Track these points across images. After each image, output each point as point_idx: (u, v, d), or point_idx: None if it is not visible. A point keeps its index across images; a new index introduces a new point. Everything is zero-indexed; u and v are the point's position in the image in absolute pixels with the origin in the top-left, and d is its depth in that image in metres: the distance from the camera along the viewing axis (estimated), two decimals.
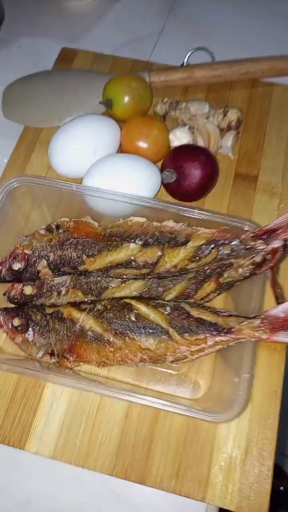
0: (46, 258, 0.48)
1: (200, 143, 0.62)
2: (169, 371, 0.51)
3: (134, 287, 0.50)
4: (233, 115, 0.63)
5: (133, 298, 0.49)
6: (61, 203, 0.53)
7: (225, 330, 0.43)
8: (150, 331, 0.45)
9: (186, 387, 0.50)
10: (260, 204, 0.60)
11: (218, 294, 0.50)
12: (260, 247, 0.46)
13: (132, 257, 0.47)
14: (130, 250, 0.47)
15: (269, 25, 0.77)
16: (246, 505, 0.45)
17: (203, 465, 0.47)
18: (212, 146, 0.62)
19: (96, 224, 0.49)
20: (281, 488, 0.87)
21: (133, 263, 0.47)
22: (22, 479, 0.49)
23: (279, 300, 0.44)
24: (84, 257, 0.48)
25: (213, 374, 0.50)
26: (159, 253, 0.47)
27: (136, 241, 0.47)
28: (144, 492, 0.47)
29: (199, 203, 0.59)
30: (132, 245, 0.47)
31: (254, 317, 0.43)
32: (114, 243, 0.48)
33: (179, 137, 0.63)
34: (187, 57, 0.70)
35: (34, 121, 0.66)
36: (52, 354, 0.48)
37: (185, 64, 0.70)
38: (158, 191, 0.58)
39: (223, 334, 0.43)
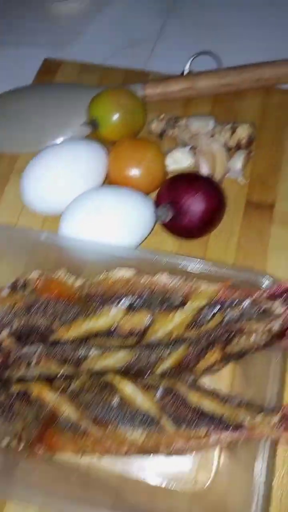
0: (9, 326, 0.39)
1: (204, 166, 0.51)
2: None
3: (119, 357, 0.40)
4: (243, 132, 0.53)
5: (117, 372, 0.39)
6: (33, 253, 0.43)
7: (233, 426, 0.33)
8: (138, 420, 0.36)
9: (185, 477, 0.40)
10: (277, 240, 0.49)
11: (224, 365, 0.39)
12: (278, 311, 0.35)
13: (115, 325, 0.37)
14: (112, 315, 0.38)
15: (285, 22, 0.66)
16: None
17: None
18: (218, 170, 0.52)
19: (71, 280, 0.40)
20: None
21: (115, 332, 0.38)
22: None
23: None
24: (56, 325, 0.38)
25: (218, 466, 0.40)
26: (149, 319, 0.37)
27: (120, 304, 0.37)
28: None
29: (202, 240, 0.49)
30: (114, 310, 0.37)
31: (272, 411, 0.32)
32: (92, 307, 0.38)
33: (179, 161, 0.53)
34: (189, 63, 0.60)
35: (10, 145, 0.57)
36: (19, 440, 0.39)
37: (186, 71, 0.60)
38: (153, 227, 0.48)
39: (230, 431, 0.33)
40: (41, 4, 0.72)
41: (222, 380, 0.42)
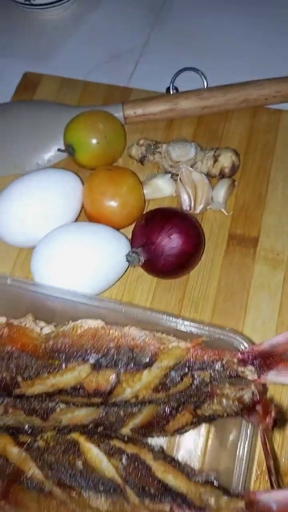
0: None
1: (185, 197, 0.49)
2: None
3: (86, 412, 0.38)
4: (226, 160, 0.50)
5: (85, 428, 0.38)
6: (1, 296, 0.41)
7: (196, 507, 0.31)
8: (101, 486, 0.34)
9: None
10: (260, 279, 0.47)
11: (197, 426, 0.38)
12: (249, 377, 0.33)
13: (80, 383, 0.36)
14: (77, 372, 0.36)
15: (274, 37, 0.62)
16: None
17: None
18: (200, 200, 0.49)
19: (38, 329, 0.38)
20: None
21: (81, 390, 0.36)
22: None
23: (272, 477, 0.31)
24: (19, 378, 0.37)
25: None
26: (114, 379, 0.35)
27: (86, 360, 0.35)
28: None
29: (181, 280, 0.47)
30: (80, 367, 0.35)
31: (238, 496, 0.30)
32: (57, 361, 0.36)
33: (160, 189, 0.51)
34: (173, 80, 0.57)
35: None
36: None
37: (172, 87, 0.57)
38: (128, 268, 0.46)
39: (194, 511, 0.31)
40: (22, 15, 0.68)
41: (198, 438, 0.40)
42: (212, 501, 0.31)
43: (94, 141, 0.49)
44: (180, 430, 0.37)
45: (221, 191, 0.50)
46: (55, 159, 0.54)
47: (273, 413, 0.30)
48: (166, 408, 0.37)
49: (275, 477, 0.29)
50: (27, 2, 0.65)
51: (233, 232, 0.50)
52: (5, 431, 0.39)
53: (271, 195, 0.51)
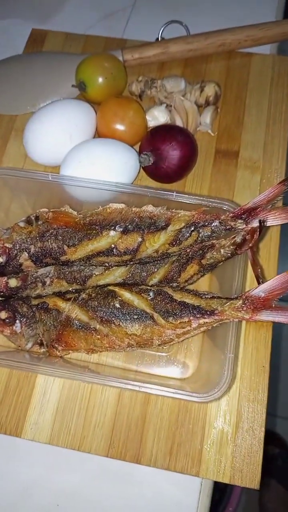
0: (27, 250, 0.48)
1: (178, 121, 0.60)
2: (158, 353, 0.51)
3: (117, 274, 0.50)
4: (210, 90, 0.62)
5: (116, 285, 0.49)
6: (40, 193, 0.52)
7: (208, 312, 0.43)
8: (135, 317, 0.46)
9: (175, 368, 0.51)
10: (242, 181, 0.60)
11: (202, 276, 0.50)
12: (240, 227, 0.46)
13: (113, 245, 0.47)
14: (110, 237, 0.47)
15: None
16: (239, 477, 0.47)
17: (195, 441, 0.48)
18: (191, 124, 0.61)
19: (75, 213, 0.49)
20: (276, 451, 0.90)
21: (114, 250, 0.47)
22: (21, 466, 0.50)
23: (259, 280, 0.44)
24: (65, 247, 0.48)
25: (201, 355, 0.51)
26: (140, 239, 0.47)
27: (116, 228, 0.47)
28: (140, 470, 0.49)
29: (180, 184, 0.59)
30: (112, 233, 0.47)
31: (236, 298, 0.43)
32: (94, 231, 0.47)
33: (157, 117, 0.62)
34: (161, 32, 0.68)
35: (8, 108, 0.64)
36: (41, 344, 0.49)
37: (159, 39, 0.68)
38: (138, 174, 0.57)
39: (206, 316, 0.43)
40: None
41: (202, 286, 0.53)
42: (218, 306, 0.43)
43: (102, 77, 0.60)
44: (189, 280, 0.49)
45: (207, 116, 0.62)
46: (67, 97, 0.64)
47: (256, 234, 0.42)
48: (178, 264, 0.49)
49: (262, 280, 0.42)
50: None
51: (219, 148, 0.62)
52: (53, 295, 0.50)
53: (247, 118, 0.63)
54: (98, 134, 0.60)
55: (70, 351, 0.49)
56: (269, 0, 0.74)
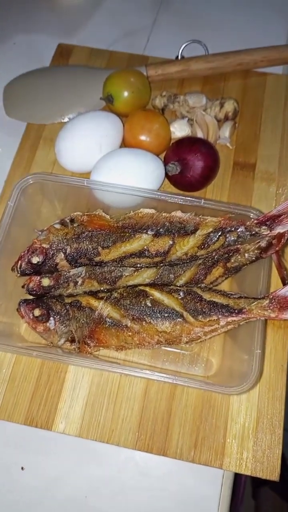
0: (63, 251, 0.50)
1: (199, 134, 0.64)
2: (182, 351, 0.54)
3: (146, 275, 0.53)
4: (229, 106, 0.66)
5: (147, 285, 0.52)
6: (70, 198, 0.55)
7: (236, 311, 0.46)
8: (166, 315, 0.49)
9: (198, 365, 0.54)
10: (258, 192, 0.63)
11: (226, 278, 0.53)
12: (264, 233, 0.49)
13: (145, 247, 0.50)
14: (142, 240, 0.50)
15: (261, 15, 0.80)
16: (260, 469, 0.50)
17: (218, 435, 0.51)
18: (211, 137, 0.65)
19: (108, 216, 0.52)
20: None
21: (146, 252, 0.50)
22: (51, 458, 0.52)
23: (285, 281, 0.48)
24: (100, 248, 0.50)
25: (223, 353, 0.54)
26: (170, 242, 0.50)
27: (148, 232, 0.50)
28: (165, 463, 0.51)
29: (201, 193, 0.62)
30: (144, 236, 0.50)
31: (263, 298, 0.46)
32: (127, 234, 0.50)
33: (179, 129, 0.66)
34: (181, 50, 0.72)
35: (37, 118, 0.68)
36: (72, 340, 0.52)
37: (179, 56, 0.73)
38: (162, 182, 0.61)
39: (234, 315, 0.46)
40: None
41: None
42: (246, 305, 0.46)
43: (128, 91, 0.64)
44: (214, 282, 0.53)
45: (226, 130, 0.66)
46: (92, 109, 0.68)
47: (282, 239, 0.45)
48: (204, 267, 0.52)
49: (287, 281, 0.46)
50: None
51: (237, 160, 0.66)
52: (85, 294, 0.53)
53: (263, 133, 0.67)
54: (125, 144, 0.63)
55: (101, 348, 0.52)
56: (281, 23, 0.79)
